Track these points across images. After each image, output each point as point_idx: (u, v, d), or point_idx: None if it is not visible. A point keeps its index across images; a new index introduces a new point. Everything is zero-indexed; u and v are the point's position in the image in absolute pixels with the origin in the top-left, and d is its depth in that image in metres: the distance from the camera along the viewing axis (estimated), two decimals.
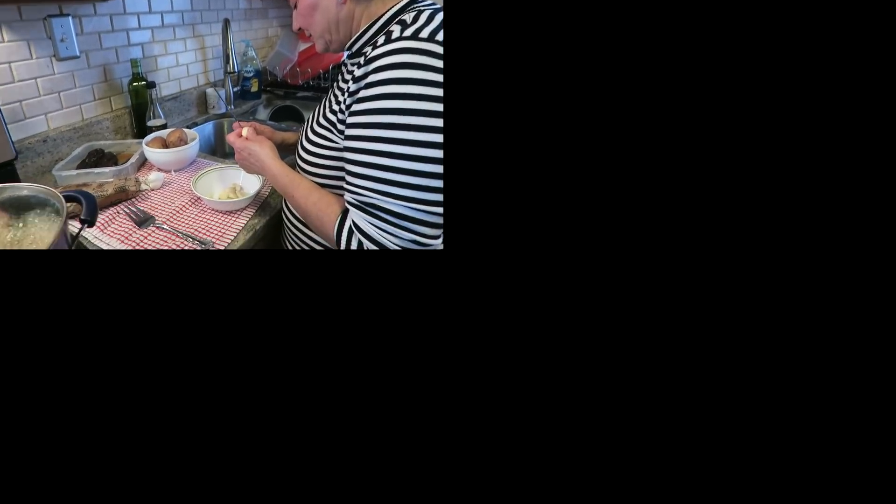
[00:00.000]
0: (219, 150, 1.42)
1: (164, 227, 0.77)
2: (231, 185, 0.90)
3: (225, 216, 0.82)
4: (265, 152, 0.72)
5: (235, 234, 0.78)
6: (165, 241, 0.75)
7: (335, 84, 0.71)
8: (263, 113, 1.64)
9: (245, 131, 0.76)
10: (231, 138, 0.76)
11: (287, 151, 0.90)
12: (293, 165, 0.73)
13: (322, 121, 0.67)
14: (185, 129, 1.02)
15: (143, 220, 0.78)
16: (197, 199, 0.85)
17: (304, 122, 1.67)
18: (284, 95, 1.69)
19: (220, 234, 0.78)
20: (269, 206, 0.87)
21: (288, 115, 1.63)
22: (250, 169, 0.76)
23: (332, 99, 0.67)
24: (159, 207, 0.83)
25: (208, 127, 1.38)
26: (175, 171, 0.98)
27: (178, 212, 0.82)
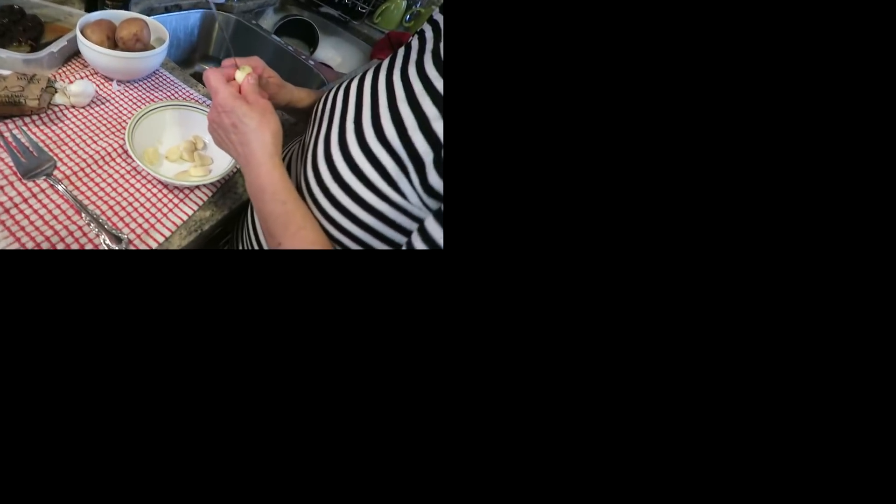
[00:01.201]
0: (199, 51, 1.09)
1: (61, 187, 0.50)
2: (192, 137, 0.63)
3: (165, 193, 0.56)
4: (263, 139, 0.41)
5: (170, 233, 0.52)
6: (52, 219, 0.48)
7: (429, 57, 0.38)
8: (271, 18, 1.30)
9: (241, 75, 0.45)
10: (213, 82, 0.43)
11: (291, 116, 0.63)
12: (290, 129, 0.46)
13: (388, 130, 0.37)
14: (150, 22, 0.71)
15: (33, 167, 0.50)
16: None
17: (314, 45, 1.34)
18: (305, 4, 1.35)
19: (147, 223, 0.52)
20: (235, 193, 0.61)
21: (297, 33, 1.30)
22: (226, 147, 0.45)
23: (423, 88, 0.36)
24: (69, 145, 0.56)
25: (193, 17, 1.04)
26: (119, 82, 0.68)
27: (96, 162, 0.55)
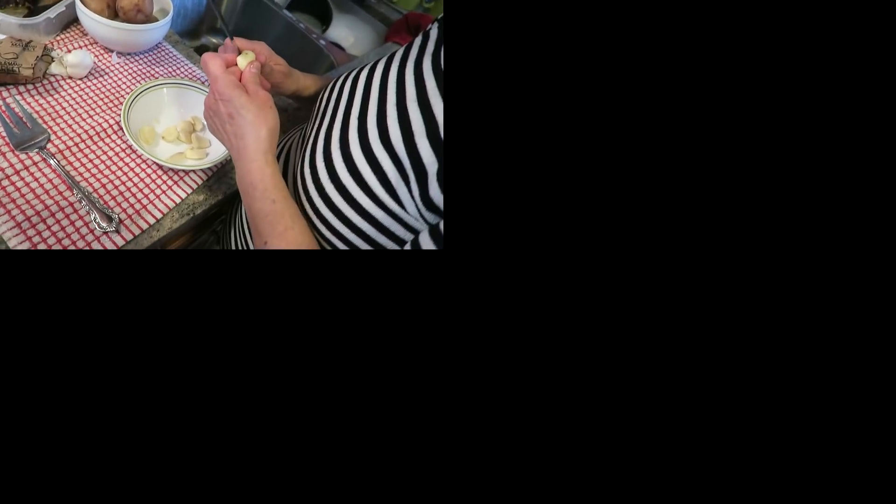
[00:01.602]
0: (207, 23, 1.07)
1: (53, 162, 0.49)
2: (191, 118, 0.62)
3: (160, 174, 0.55)
4: (259, 134, 0.40)
5: (162, 215, 0.52)
6: (43, 193, 0.48)
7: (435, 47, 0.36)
8: None
9: (244, 62, 0.43)
10: (212, 68, 0.41)
11: (296, 102, 0.61)
12: (292, 114, 0.45)
13: (394, 133, 0.35)
14: None
15: (26, 139, 0.49)
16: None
17: (327, 23, 1.31)
18: None
19: (139, 203, 0.51)
20: (230, 178, 0.60)
21: (311, 9, 1.27)
22: (220, 136, 0.44)
23: (435, 86, 0.34)
24: (64, 118, 0.55)
25: None
26: (119, 54, 0.67)
27: (91, 138, 0.54)
